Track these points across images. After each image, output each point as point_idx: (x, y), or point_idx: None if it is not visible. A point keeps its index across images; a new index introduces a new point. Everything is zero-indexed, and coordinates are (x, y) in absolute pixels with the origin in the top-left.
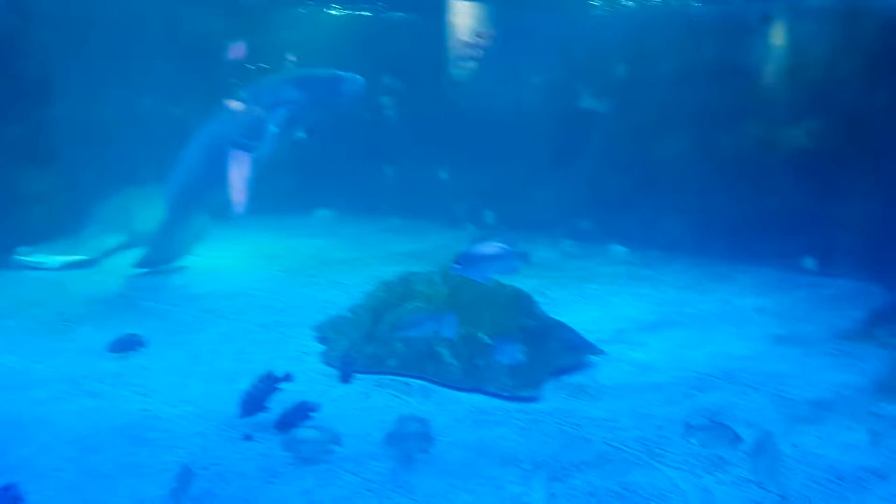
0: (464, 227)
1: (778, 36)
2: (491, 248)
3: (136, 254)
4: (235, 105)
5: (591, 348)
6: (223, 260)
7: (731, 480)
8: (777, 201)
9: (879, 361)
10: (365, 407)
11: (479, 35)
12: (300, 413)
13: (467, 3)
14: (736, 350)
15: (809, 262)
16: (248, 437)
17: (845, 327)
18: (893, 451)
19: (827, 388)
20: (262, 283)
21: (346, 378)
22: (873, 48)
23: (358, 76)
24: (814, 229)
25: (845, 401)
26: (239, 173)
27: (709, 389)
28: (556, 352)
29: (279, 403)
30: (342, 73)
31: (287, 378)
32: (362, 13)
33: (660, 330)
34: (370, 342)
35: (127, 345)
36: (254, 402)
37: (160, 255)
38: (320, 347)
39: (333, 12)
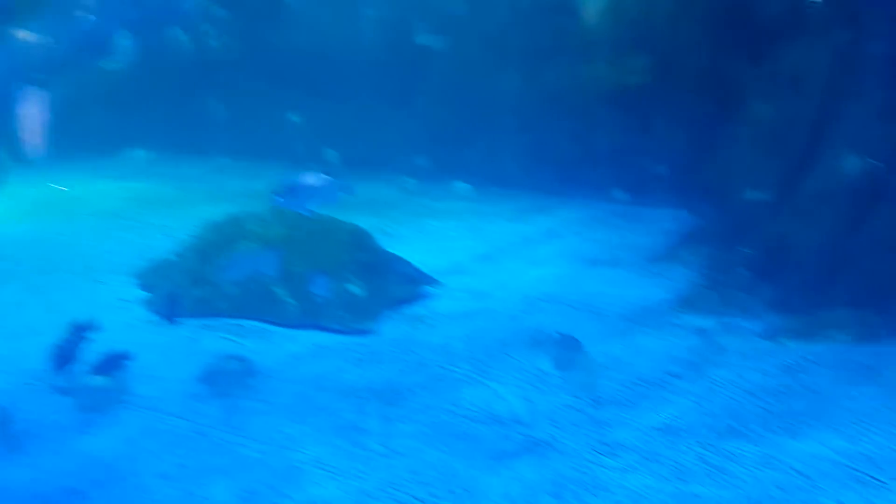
0: (302, 166)
1: None
2: (312, 179)
3: None
4: (24, 35)
5: (427, 280)
6: (23, 205)
7: (550, 390)
8: (599, 136)
9: (682, 279)
10: (193, 351)
11: None
12: (112, 362)
13: None
14: (558, 274)
15: (619, 193)
16: (61, 391)
17: (655, 250)
18: (690, 355)
19: (636, 304)
20: (70, 228)
21: (170, 319)
22: None
23: None
24: (630, 162)
25: (651, 314)
26: (33, 111)
27: (534, 311)
28: (393, 285)
29: (94, 354)
30: None
31: (94, 326)
32: None
33: (492, 260)
34: (198, 285)
35: None
36: (63, 355)
37: None
38: (143, 294)
39: None
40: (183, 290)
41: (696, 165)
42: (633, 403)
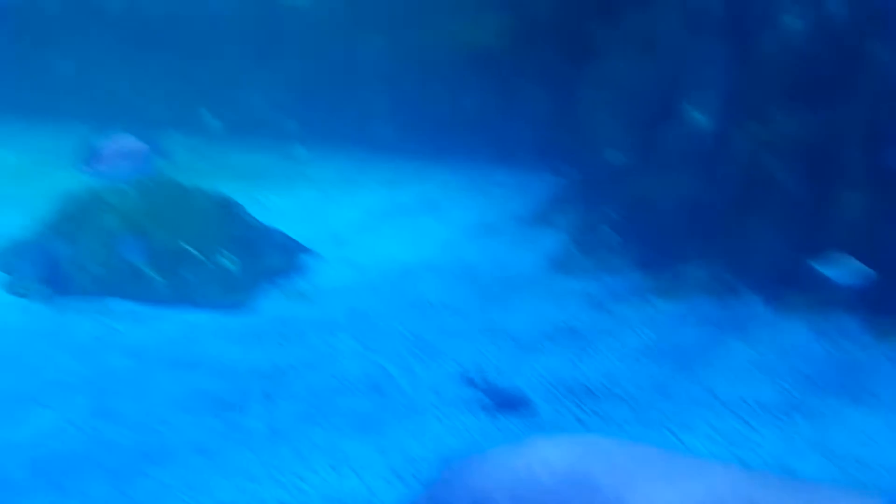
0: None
1: None
2: (123, 142)
3: None
4: None
5: (304, 251)
6: None
7: (432, 359)
8: (466, 99)
9: (554, 242)
10: (61, 333)
11: None
12: None
13: None
14: (436, 242)
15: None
16: None
17: (526, 215)
18: (565, 317)
19: (512, 269)
20: None
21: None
22: None
23: None
24: (496, 125)
25: (526, 279)
26: None
27: (414, 281)
28: (268, 257)
29: None
30: None
31: None
32: None
33: (369, 229)
34: (61, 265)
35: None
36: None
37: None
38: (3, 276)
39: None
40: (47, 269)
41: (558, 127)
42: (514, 370)
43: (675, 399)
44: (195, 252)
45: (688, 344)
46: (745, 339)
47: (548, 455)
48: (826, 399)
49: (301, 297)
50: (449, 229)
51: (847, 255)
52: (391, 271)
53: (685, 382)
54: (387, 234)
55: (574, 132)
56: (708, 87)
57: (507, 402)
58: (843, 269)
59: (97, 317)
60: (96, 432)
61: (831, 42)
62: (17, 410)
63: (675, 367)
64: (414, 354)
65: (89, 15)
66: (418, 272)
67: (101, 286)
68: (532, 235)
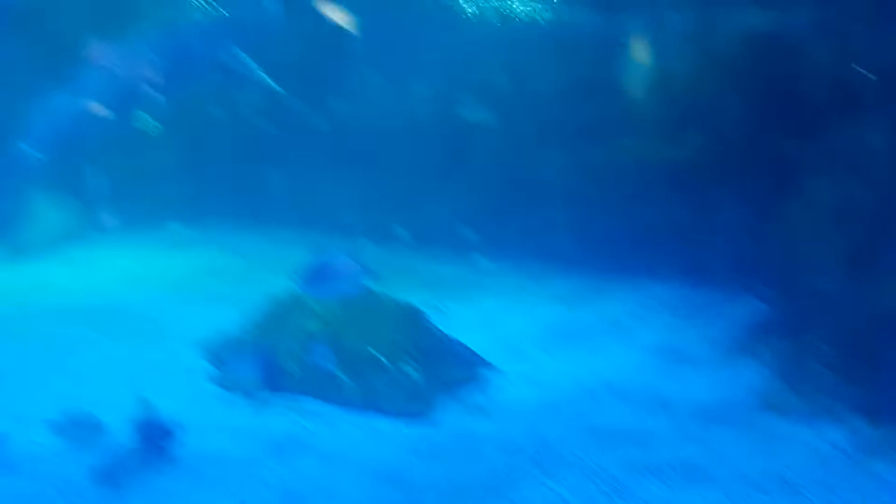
0: (357, 240)
1: (647, 53)
2: (337, 263)
3: None
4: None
5: (484, 364)
6: (97, 274)
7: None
8: (652, 214)
9: (755, 374)
10: (254, 428)
11: (347, 32)
12: (166, 433)
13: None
14: (621, 365)
15: (678, 276)
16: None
17: (722, 340)
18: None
19: (709, 401)
20: (142, 298)
21: (247, 395)
22: (736, 65)
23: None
24: (688, 242)
25: (728, 414)
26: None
27: (597, 406)
28: (450, 368)
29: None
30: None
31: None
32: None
33: (550, 346)
34: (262, 362)
35: None
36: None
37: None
38: (208, 367)
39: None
40: (250, 366)
41: (758, 247)
42: None
43: None
44: (383, 359)
45: None
46: None
47: None
48: None
49: (481, 412)
50: (635, 352)
51: None
52: (573, 393)
53: None
54: (567, 352)
55: (777, 253)
56: None
57: None
58: None
59: (292, 416)
60: None
61: None
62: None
63: None
64: (600, 490)
65: (303, 133)
66: (602, 396)
67: (298, 386)
68: (731, 365)
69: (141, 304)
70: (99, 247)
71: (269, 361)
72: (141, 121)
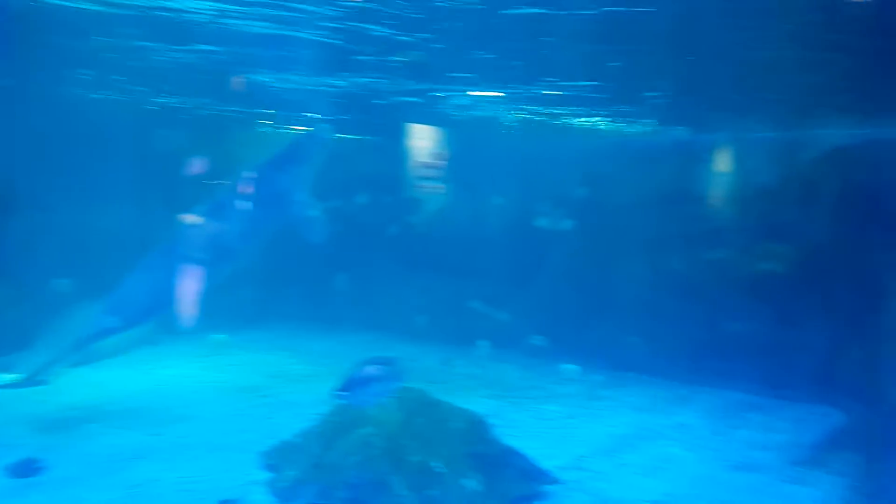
0: (427, 343)
1: (728, 165)
2: (370, 371)
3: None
4: (192, 219)
5: (545, 478)
6: (170, 377)
7: None
8: (731, 324)
9: (831, 490)
10: None
11: (438, 157)
12: None
13: (427, 127)
14: (693, 477)
15: (756, 386)
16: None
17: (798, 452)
18: None
19: None
20: (211, 402)
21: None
22: (815, 177)
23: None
24: (767, 352)
25: None
26: (190, 287)
27: None
28: (510, 481)
29: None
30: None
31: None
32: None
33: (616, 456)
34: (319, 471)
35: (25, 469)
36: None
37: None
38: (268, 475)
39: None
40: (306, 476)
41: (841, 358)
42: None
43: None
44: (444, 471)
45: None
46: None
47: None
48: None
49: None
50: (705, 462)
51: None
52: None
53: None
54: (635, 463)
55: (859, 365)
56: None
57: None
58: None
59: None
60: None
61: None
62: None
63: None
64: None
65: (369, 237)
66: None
67: (356, 494)
68: (804, 479)
69: (204, 410)
70: (165, 351)
71: (323, 467)
72: None
